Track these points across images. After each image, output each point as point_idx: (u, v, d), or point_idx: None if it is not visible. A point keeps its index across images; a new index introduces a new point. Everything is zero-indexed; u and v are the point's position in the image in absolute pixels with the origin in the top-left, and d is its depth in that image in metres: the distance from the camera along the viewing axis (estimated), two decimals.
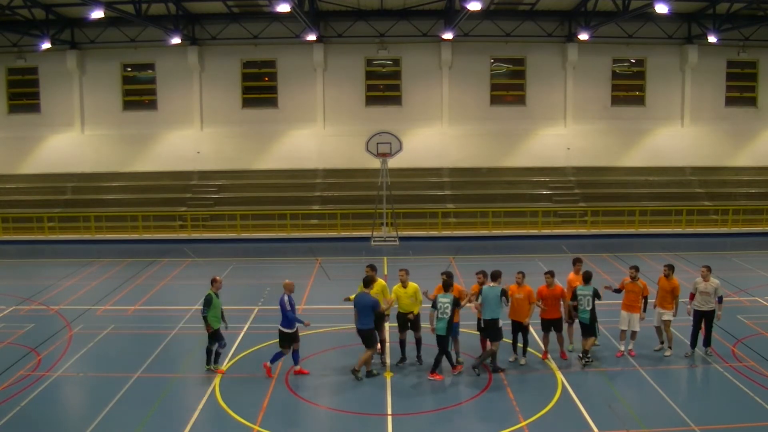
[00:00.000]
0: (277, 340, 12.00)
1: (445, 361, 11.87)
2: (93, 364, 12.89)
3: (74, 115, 31.32)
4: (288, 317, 11.72)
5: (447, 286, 11.90)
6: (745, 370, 12.04)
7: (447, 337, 11.76)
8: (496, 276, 12.02)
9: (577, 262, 13.34)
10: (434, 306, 11.80)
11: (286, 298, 11.77)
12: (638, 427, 9.91)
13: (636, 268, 12.83)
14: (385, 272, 20.05)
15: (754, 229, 28.19)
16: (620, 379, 11.85)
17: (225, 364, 12.64)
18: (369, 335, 11.79)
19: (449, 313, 11.62)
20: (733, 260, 22.76)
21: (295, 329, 11.85)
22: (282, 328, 11.83)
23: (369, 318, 11.69)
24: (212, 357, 12.28)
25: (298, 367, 12.09)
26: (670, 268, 12.94)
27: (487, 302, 11.87)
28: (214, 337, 12.10)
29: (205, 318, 11.98)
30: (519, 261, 22.40)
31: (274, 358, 11.98)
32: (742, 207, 29.12)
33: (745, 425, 9.97)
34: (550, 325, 12.56)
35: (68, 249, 26.55)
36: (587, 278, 12.42)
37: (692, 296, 12.74)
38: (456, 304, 11.75)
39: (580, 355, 12.45)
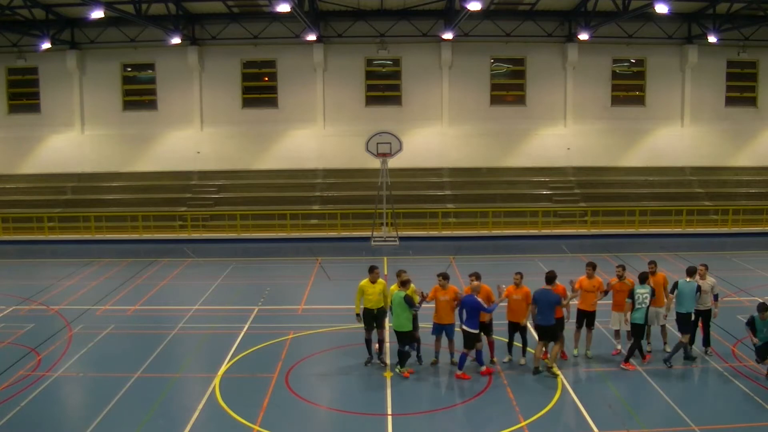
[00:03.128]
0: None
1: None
2: (93, 364, 12.88)
3: (74, 115, 31.33)
4: (489, 310, 11.85)
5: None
6: (745, 370, 12.04)
7: (643, 326, 12.30)
8: (551, 279, 12.11)
9: (589, 266, 13.02)
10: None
11: (475, 298, 11.79)
12: (638, 427, 9.91)
13: (623, 267, 12.79)
14: (386, 272, 20.05)
15: (754, 229, 28.19)
16: (620, 379, 11.84)
17: (225, 364, 12.65)
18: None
19: (647, 303, 12.08)
20: (733, 260, 22.77)
21: (479, 330, 11.90)
22: (467, 329, 11.82)
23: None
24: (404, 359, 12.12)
25: (484, 368, 12.08)
26: (655, 264, 13.05)
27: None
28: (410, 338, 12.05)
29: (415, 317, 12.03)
30: (519, 261, 22.42)
31: (462, 363, 11.95)
32: (742, 207, 29.11)
33: (745, 425, 9.97)
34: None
35: (68, 249, 26.55)
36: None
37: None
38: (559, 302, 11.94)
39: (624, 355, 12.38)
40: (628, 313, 12.25)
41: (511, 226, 28.20)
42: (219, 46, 30.78)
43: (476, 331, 11.85)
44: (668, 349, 12.81)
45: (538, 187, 30.93)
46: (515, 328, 12.45)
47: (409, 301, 11.78)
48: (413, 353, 12.41)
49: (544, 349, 12.30)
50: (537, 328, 12.19)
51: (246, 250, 26.12)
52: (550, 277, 12.10)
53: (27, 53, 30.69)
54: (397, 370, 12.03)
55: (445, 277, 12.26)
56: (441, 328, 12.29)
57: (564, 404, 10.81)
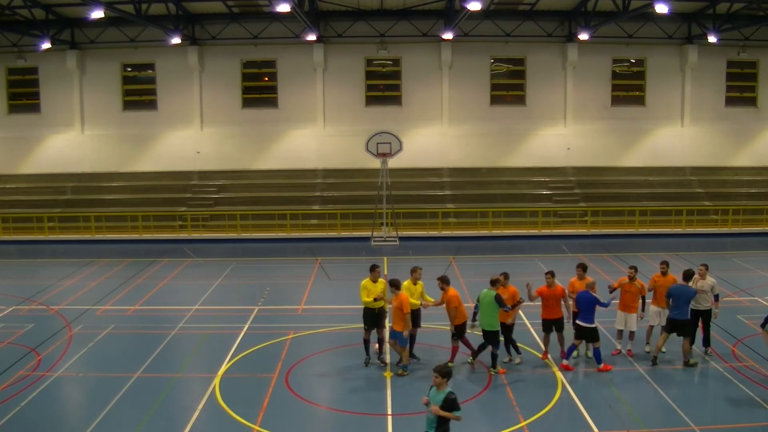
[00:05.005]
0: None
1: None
2: (93, 364, 12.88)
3: (74, 115, 31.32)
4: (605, 305, 11.97)
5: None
6: (745, 370, 12.04)
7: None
8: (689, 276, 12.30)
9: (579, 267, 13.01)
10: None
11: (590, 294, 11.98)
12: (638, 427, 9.91)
13: (635, 269, 12.83)
14: (386, 272, 20.05)
15: (754, 229, 28.18)
16: (620, 379, 11.84)
17: (225, 364, 12.65)
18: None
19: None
20: (733, 260, 22.77)
21: (595, 325, 12.04)
22: (582, 323, 11.99)
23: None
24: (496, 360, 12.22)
25: (601, 365, 12.15)
26: (667, 265, 13.12)
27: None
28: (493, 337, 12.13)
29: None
30: (519, 261, 22.45)
31: (598, 357, 12.11)
32: (742, 207, 29.11)
33: (745, 425, 9.97)
34: (551, 325, 12.54)
35: (68, 249, 26.56)
36: (688, 276, 12.35)
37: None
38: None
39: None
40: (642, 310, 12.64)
41: (511, 226, 28.20)
42: (219, 46, 30.78)
43: (593, 326, 12.05)
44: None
45: (538, 187, 30.93)
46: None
47: (499, 300, 11.85)
48: (411, 349, 12.43)
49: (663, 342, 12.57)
50: (670, 321, 12.28)
51: (246, 250, 26.12)
52: (688, 275, 12.26)
53: (27, 53, 30.69)
54: (492, 372, 12.07)
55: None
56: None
57: (564, 404, 10.82)
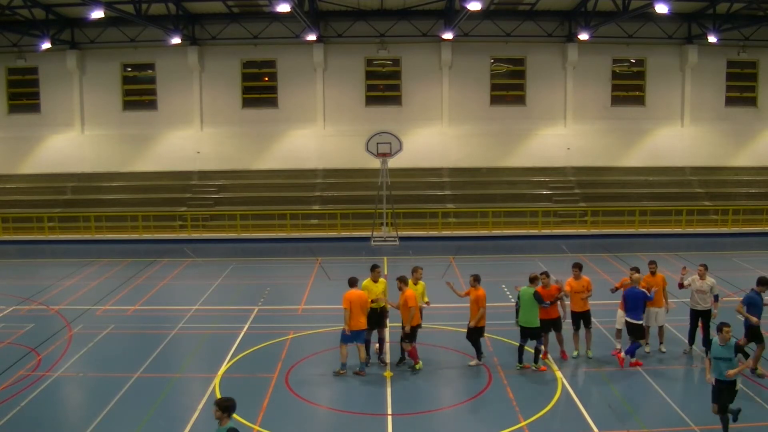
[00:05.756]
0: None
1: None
2: (93, 364, 12.88)
3: (74, 115, 31.33)
4: (650, 298, 12.15)
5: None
6: (745, 370, 11.98)
7: None
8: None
9: (575, 267, 12.96)
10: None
11: (639, 290, 12.12)
12: (638, 427, 9.92)
13: (636, 270, 12.84)
14: (386, 272, 20.05)
15: (754, 229, 28.18)
16: (620, 379, 11.84)
17: (225, 364, 12.65)
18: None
19: None
20: (733, 260, 22.77)
21: (641, 321, 12.24)
22: (630, 320, 12.13)
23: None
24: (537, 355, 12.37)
25: (634, 359, 12.28)
26: (655, 264, 13.19)
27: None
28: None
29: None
30: (519, 261, 22.46)
31: (632, 350, 12.22)
32: (742, 207, 29.11)
33: (745, 425, 9.96)
34: (549, 325, 12.53)
35: (68, 249, 26.56)
36: (762, 282, 11.97)
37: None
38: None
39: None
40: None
41: (511, 226, 28.19)
42: (219, 46, 30.78)
43: (641, 322, 12.19)
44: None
45: (538, 187, 30.93)
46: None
47: (538, 297, 11.99)
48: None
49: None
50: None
51: (246, 250, 26.12)
52: (762, 281, 11.89)
53: (27, 53, 30.69)
54: (533, 368, 12.20)
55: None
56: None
57: (564, 404, 10.81)
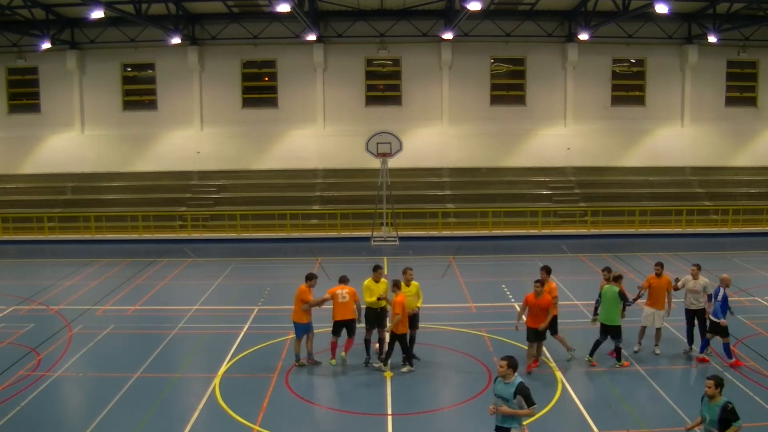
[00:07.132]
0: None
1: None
2: (93, 364, 12.88)
3: (74, 115, 31.33)
4: (716, 307, 12.12)
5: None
6: (745, 370, 12.03)
7: None
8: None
9: (543, 270, 12.83)
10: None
11: (722, 290, 12.11)
12: (638, 427, 9.92)
13: (661, 265, 12.91)
14: (386, 272, 20.02)
15: (754, 229, 28.19)
16: (620, 379, 11.84)
17: (225, 364, 12.64)
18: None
19: None
20: (733, 260, 22.76)
21: (721, 319, 12.13)
22: (713, 318, 12.18)
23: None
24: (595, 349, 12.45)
25: (733, 360, 12.21)
26: (662, 266, 13.13)
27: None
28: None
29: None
30: (519, 261, 22.42)
31: (727, 351, 12.20)
32: (742, 207, 29.11)
33: (745, 425, 9.93)
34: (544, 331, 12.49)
35: (68, 249, 26.55)
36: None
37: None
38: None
39: None
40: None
41: (511, 226, 28.19)
42: (219, 46, 30.78)
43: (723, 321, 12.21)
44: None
45: (538, 187, 30.93)
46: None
47: (622, 295, 12.08)
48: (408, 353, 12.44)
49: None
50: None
51: (246, 250, 26.11)
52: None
53: (27, 53, 30.69)
54: (617, 366, 12.26)
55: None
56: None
57: (564, 404, 10.81)
